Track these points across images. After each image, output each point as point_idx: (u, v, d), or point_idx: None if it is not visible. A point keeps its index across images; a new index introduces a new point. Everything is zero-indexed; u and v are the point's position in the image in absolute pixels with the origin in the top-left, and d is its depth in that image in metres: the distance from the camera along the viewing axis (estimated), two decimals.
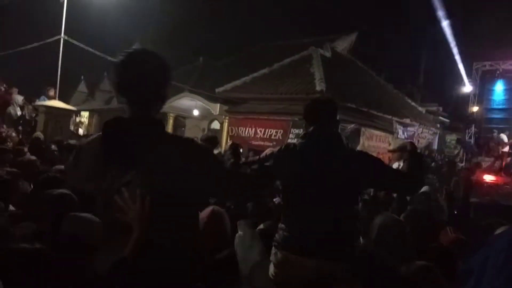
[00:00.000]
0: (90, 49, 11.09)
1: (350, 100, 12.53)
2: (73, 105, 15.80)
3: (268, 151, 2.37)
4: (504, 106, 16.56)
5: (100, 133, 1.53)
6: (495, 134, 15.55)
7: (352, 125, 12.06)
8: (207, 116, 16.42)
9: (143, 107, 1.53)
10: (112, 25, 17.40)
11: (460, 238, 2.84)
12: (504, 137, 15.09)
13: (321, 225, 2.04)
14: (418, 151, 2.29)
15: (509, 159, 15.04)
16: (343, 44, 17.26)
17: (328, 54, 14.91)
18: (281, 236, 2.15)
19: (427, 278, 2.04)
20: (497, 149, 15.33)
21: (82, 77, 24.50)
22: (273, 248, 2.18)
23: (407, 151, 2.25)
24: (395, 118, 14.65)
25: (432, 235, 2.83)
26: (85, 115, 22.29)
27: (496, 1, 17.08)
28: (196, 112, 16.12)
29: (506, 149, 15.14)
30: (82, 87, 24.78)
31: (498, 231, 2.64)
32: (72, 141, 8.28)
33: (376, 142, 13.84)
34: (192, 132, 16.89)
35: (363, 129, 12.87)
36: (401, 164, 2.37)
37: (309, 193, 2.08)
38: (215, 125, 16.86)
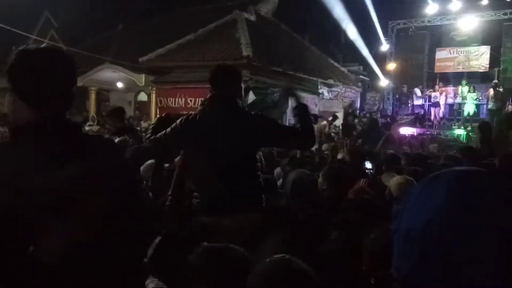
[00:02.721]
0: None
1: (277, 63, 12.70)
2: None
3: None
4: (416, 62, 17.82)
5: (8, 140, 1.41)
6: (404, 88, 16.79)
7: (281, 89, 12.29)
8: (132, 88, 15.72)
9: (47, 110, 1.39)
10: None
11: (364, 188, 3.11)
12: (417, 91, 16.36)
13: (227, 185, 2.21)
14: (302, 102, 2.53)
15: (422, 111, 16.44)
16: (266, 7, 17.19)
17: (252, 17, 14.82)
18: (194, 201, 2.32)
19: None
20: (409, 102, 16.64)
21: None
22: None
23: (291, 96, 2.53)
24: (320, 80, 15.17)
25: (346, 189, 3.13)
26: None
27: None
28: (120, 84, 15.34)
29: (420, 101, 16.49)
30: None
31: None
32: None
33: None
34: (118, 105, 16.11)
35: None
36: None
37: (211, 157, 2.26)
38: (142, 97, 16.25)
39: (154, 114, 13.80)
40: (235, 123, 2.27)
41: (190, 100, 12.69)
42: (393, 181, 3.02)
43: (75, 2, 17.84)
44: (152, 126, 2.57)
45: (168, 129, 2.39)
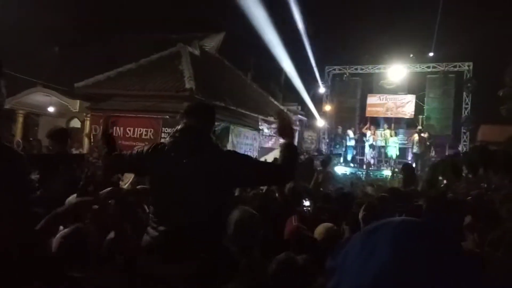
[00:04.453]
0: None
1: (219, 98, 12.79)
2: None
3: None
4: (349, 106, 18.95)
5: None
6: (339, 130, 17.69)
7: (222, 123, 12.36)
8: (65, 113, 14.92)
9: None
10: None
11: (300, 226, 3.12)
12: (350, 133, 17.28)
13: (179, 227, 2.01)
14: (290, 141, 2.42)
15: (354, 151, 17.32)
16: (211, 43, 17.50)
17: (196, 52, 14.95)
18: (144, 239, 2.10)
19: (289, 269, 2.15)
20: (343, 143, 17.47)
21: None
22: None
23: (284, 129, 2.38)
24: (260, 116, 15.50)
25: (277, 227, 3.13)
26: None
27: (342, 13, 19.40)
28: (51, 109, 14.49)
29: (352, 142, 17.38)
30: None
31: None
32: None
33: (244, 139, 14.44)
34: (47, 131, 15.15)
35: (232, 126, 13.29)
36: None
37: (169, 193, 2.08)
38: (75, 123, 15.44)
39: (88, 142, 13.14)
40: (206, 161, 2.10)
41: (129, 130, 12.25)
42: (319, 229, 3.04)
43: (6, 20, 16.89)
44: (102, 140, 2.53)
45: (134, 152, 2.29)
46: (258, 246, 2.26)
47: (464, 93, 16.53)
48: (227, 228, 2.25)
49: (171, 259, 1.95)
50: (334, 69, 19.08)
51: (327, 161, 9.16)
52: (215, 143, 2.25)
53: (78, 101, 13.73)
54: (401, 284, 0.61)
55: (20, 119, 14.87)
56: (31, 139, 14.32)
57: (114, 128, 12.57)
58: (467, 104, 16.45)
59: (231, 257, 2.18)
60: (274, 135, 17.00)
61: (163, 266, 1.95)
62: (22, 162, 1.53)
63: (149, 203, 2.25)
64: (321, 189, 6.61)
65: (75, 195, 3.18)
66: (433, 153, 14.67)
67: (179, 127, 2.23)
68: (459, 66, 16.62)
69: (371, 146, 16.31)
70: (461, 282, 0.62)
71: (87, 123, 13.69)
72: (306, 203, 4.60)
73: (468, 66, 16.47)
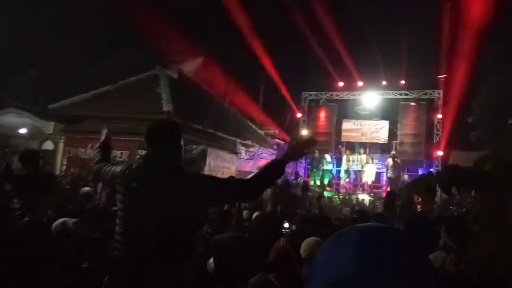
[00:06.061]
0: None
1: (197, 121, 12.81)
2: None
3: None
4: (325, 130, 19.25)
5: None
6: (316, 154, 17.89)
7: (200, 146, 12.32)
8: (37, 135, 14.56)
9: None
10: None
11: (285, 247, 3.12)
12: (327, 157, 17.50)
13: (135, 252, 2.02)
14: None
15: (331, 175, 17.52)
16: (189, 67, 17.62)
17: (175, 75, 15.01)
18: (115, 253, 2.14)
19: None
20: (320, 167, 17.64)
21: None
22: None
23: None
24: (238, 140, 15.55)
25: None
26: None
27: (320, 40, 19.99)
28: (23, 130, 14.13)
29: (329, 167, 17.58)
30: None
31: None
32: None
33: (221, 162, 14.40)
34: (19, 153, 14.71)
35: (209, 149, 13.26)
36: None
37: (131, 217, 2.10)
38: (48, 145, 15.05)
39: (60, 164, 12.81)
40: (170, 187, 2.07)
41: None
42: (304, 243, 3.05)
43: None
44: (97, 149, 2.71)
45: (111, 168, 2.38)
46: (244, 276, 2.25)
47: (435, 120, 17.11)
48: (193, 255, 2.26)
49: (132, 284, 1.95)
50: (311, 95, 19.44)
51: (307, 186, 9.54)
52: (178, 168, 2.23)
53: (52, 123, 13.46)
54: (360, 286, 0.62)
55: None
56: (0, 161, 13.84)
57: (86, 150, 12.31)
58: (438, 130, 17.01)
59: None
60: (251, 158, 17.04)
61: None
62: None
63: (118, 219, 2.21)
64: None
65: (66, 219, 3.15)
66: (406, 177, 14.99)
67: (143, 153, 2.32)
68: (430, 94, 17.26)
69: (346, 171, 16.55)
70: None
71: (61, 145, 13.38)
72: (286, 225, 4.63)
73: (438, 94, 17.13)
